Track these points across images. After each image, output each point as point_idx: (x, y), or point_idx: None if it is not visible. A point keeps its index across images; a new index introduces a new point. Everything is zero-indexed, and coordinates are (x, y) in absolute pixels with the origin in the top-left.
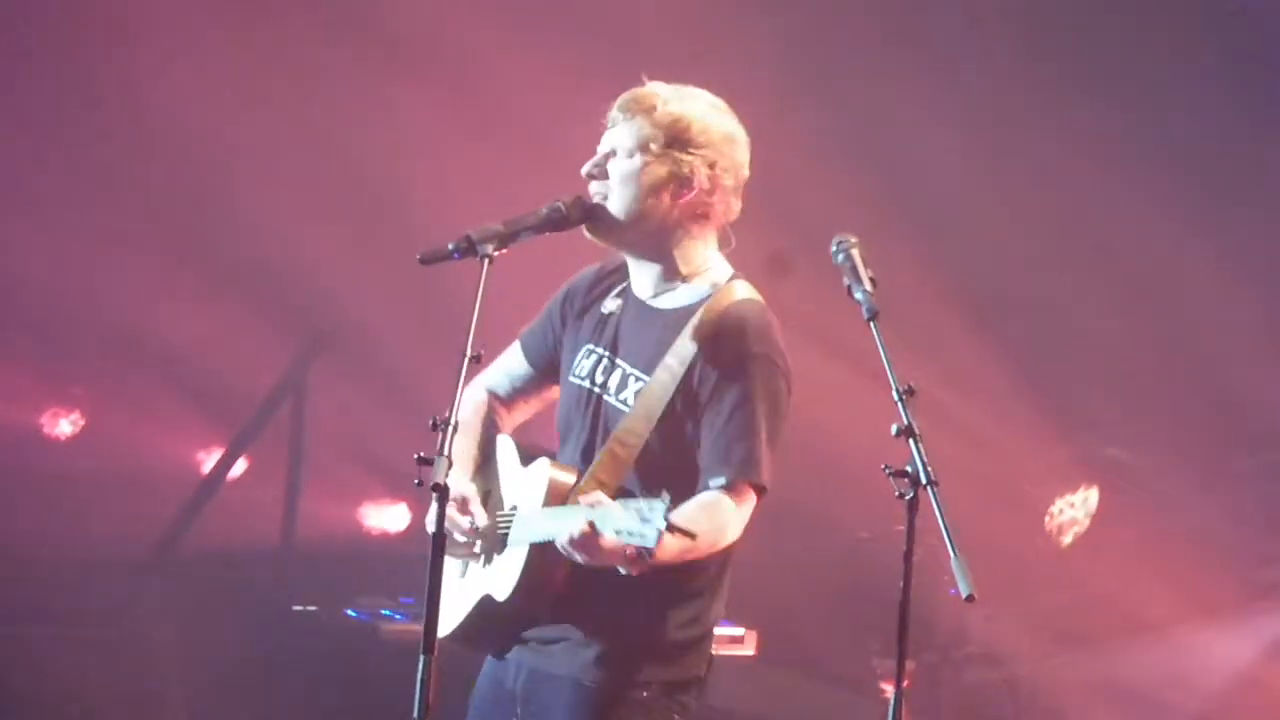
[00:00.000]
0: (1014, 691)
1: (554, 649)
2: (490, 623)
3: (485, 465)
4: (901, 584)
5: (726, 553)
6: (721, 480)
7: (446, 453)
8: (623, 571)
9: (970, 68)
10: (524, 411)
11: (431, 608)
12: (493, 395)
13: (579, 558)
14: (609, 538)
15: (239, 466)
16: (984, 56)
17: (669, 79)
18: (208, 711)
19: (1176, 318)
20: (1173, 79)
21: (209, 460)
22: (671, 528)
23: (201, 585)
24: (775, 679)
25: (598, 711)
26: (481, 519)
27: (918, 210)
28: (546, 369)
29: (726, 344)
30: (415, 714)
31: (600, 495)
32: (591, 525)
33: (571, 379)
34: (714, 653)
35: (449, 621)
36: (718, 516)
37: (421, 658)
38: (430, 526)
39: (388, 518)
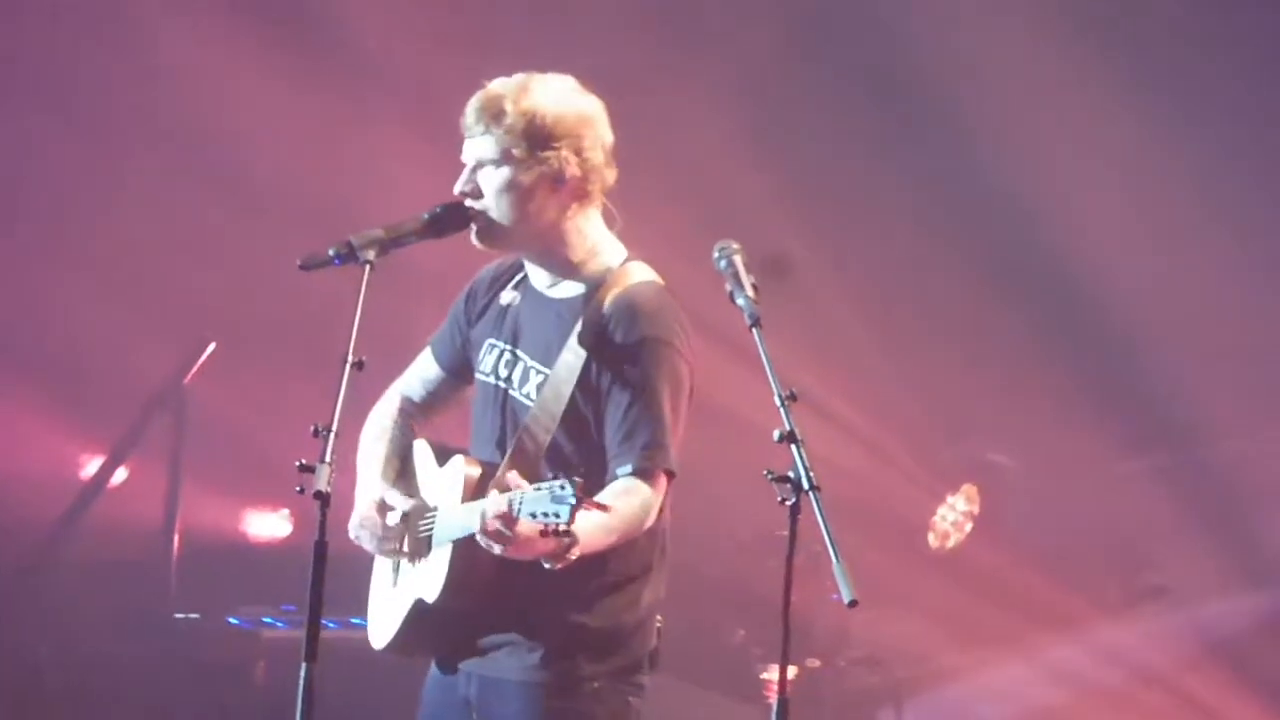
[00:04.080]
0: (896, 696)
1: (499, 654)
2: (425, 626)
3: (405, 471)
4: (784, 589)
5: (654, 535)
6: (628, 468)
7: (329, 460)
8: (546, 566)
9: None
10: (439, 413)
11: (314, 616)
12: (406, 400)
13: (497, 548)
14: (525, 522)
15: (120, 473)
16: None
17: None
18: None
19: (1064, 320)
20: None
21: (89, 466)
22: (584, 502)
23: (82, 592)
24: (656, 686)
25: (550, 711)
26: (396, 519)
27: (806, 204)
28: (458, 370)
29: (620, 331)
30: None
31: (516, 477)
32: (509, 504)
33: (479, 376)
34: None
35: (384, 631)
36: (633, 500)
37: (304, 665)
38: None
39: (270, 525)
